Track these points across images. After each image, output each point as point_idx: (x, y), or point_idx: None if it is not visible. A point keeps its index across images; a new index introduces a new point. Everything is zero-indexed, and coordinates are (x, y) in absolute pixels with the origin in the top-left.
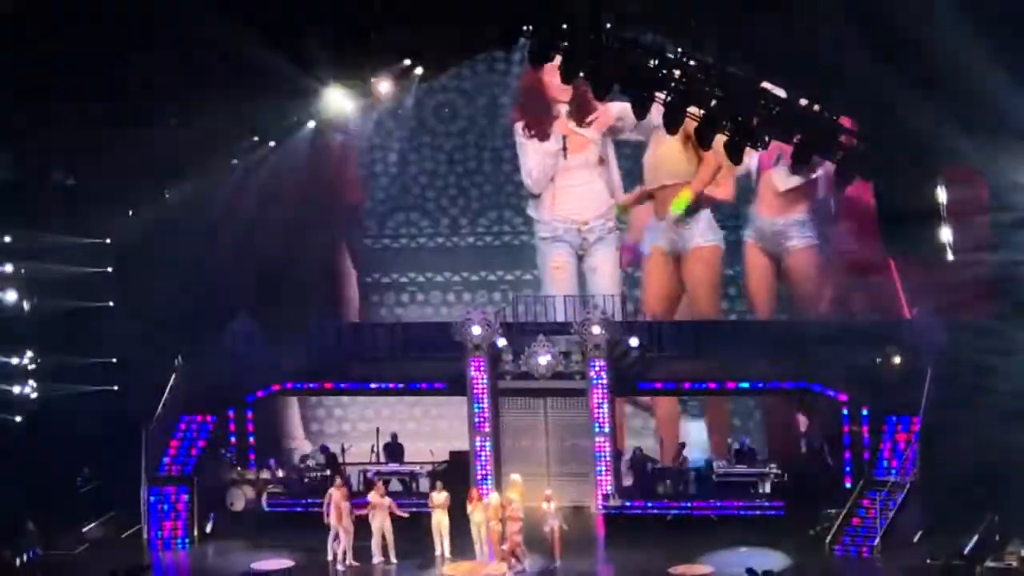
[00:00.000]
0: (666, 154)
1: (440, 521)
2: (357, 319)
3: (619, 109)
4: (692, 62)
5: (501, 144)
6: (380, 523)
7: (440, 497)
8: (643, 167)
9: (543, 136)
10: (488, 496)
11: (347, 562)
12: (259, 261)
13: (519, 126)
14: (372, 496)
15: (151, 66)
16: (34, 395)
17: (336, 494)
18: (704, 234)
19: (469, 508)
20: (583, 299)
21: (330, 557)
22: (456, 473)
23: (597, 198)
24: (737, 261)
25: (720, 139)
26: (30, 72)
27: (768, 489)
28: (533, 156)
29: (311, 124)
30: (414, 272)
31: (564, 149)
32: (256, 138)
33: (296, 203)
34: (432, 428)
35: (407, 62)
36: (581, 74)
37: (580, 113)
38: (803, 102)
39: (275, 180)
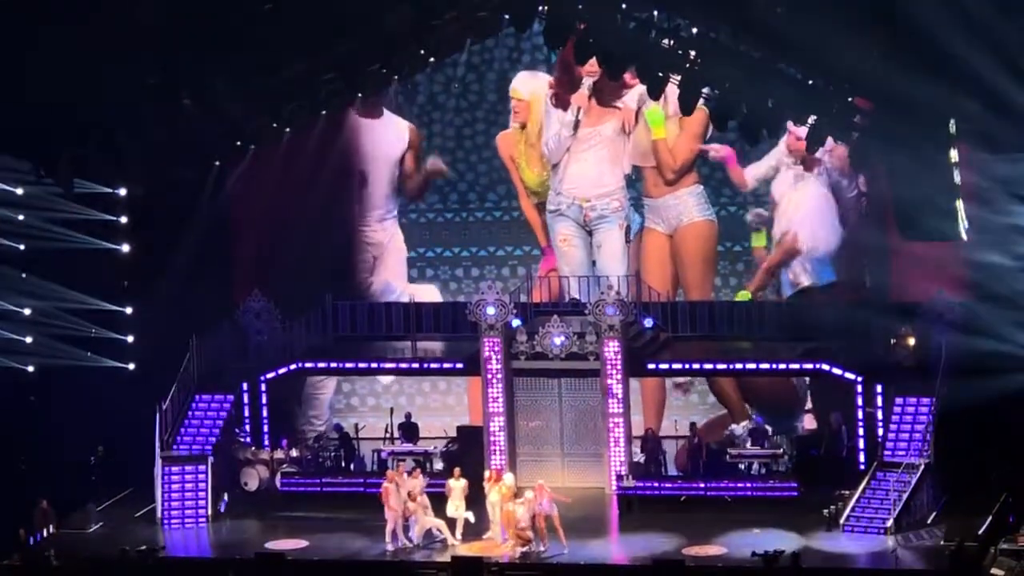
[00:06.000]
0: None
1: (458, 507)
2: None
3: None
4: (707, 43)
5: (510, 119)
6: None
7: (459, 484)
8: (634, 145)
9: (563, 106)
10: (504, 477)
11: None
12: (275, 240)
13: (550, 95)
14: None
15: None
16: (47, 373)
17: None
18: (696, 210)
19: (487, 487)
20: (597, 280)
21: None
22: (464, 448)
23: (602, 176)
24: (727, 237)
25: None
26: (50, 48)
27: (781, 469)
28: (553, 126)
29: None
30: (423, 247)
31: (577, 121)
32: (275, 124)
33: (312, 184)
34: (441, 403)
35: (422, 52)
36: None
37: (604, 93)
38: (818, 83)
39: (293, 162)
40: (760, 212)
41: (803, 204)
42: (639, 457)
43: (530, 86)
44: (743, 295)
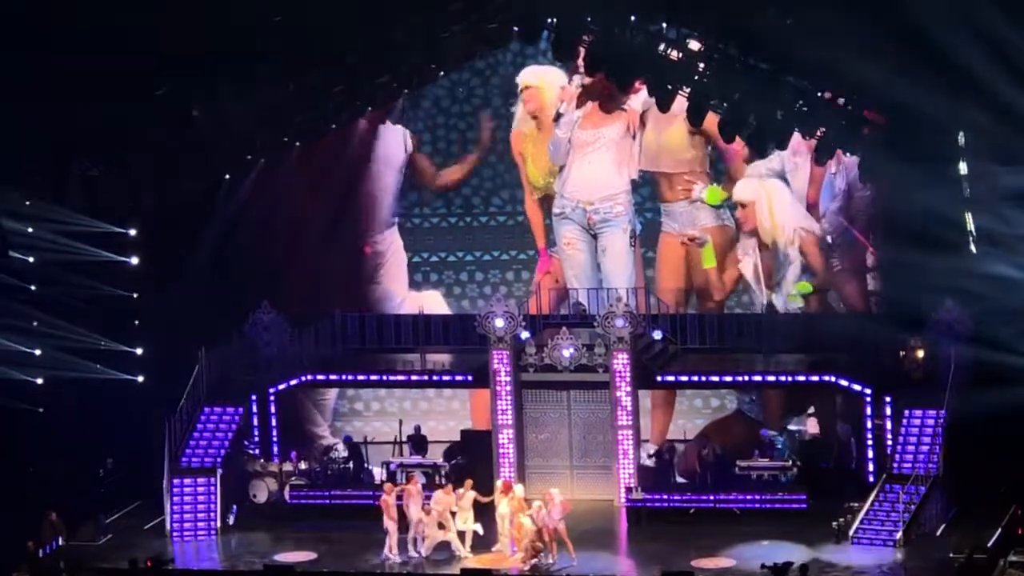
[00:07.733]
0: (670, 141)
1: (467, 519)
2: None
3: (644, 103)
4: (716, 56)
5: (515, 119)
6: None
7: (469, 496)
8: (642, 150)
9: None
10: (514, 489)
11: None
12: (283, 252)
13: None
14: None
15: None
16: (57, 385)
17: (412, 489)
18: (711, 216)
19: (496, 499)
20: (607, 291)
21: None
22: (469, 454)
23: (605, 179)
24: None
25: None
26: (54, 64)
27: (789, 479)
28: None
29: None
30: (427, 252)
31: (559, 115)
32: (284, 137)
33: (321, 195)
34: (446, 408)
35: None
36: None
37: (610, 98)
38: (827, 95)
39: (302, 174)
40: (700, 229)
41: (783, 197)
42: (649, 461)
43: (540, 75)
44: (803, 287)
